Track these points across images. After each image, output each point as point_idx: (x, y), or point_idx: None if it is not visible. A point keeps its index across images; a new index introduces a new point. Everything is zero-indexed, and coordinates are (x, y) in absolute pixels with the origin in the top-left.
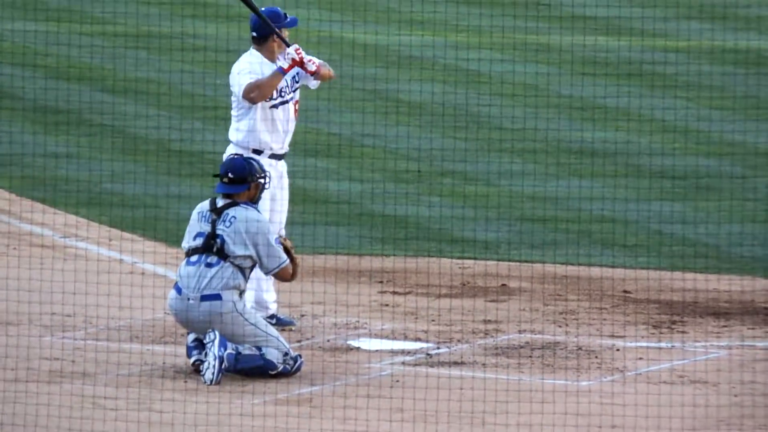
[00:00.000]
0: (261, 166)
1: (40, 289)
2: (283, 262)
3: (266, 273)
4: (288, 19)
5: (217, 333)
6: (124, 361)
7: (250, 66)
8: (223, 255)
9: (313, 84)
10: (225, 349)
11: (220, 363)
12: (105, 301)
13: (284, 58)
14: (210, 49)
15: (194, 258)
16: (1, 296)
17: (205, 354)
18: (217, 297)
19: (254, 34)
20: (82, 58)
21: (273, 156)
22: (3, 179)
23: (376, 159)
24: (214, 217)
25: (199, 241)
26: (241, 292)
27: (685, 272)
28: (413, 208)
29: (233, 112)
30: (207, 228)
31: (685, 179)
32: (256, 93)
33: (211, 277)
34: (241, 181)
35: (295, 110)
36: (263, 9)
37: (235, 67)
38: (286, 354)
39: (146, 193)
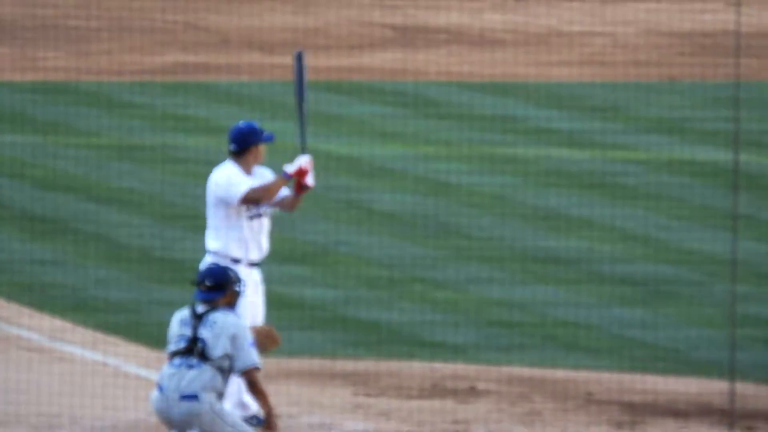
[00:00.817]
0: (237, 274)
1: (27, 390)
2: (254, 364)
3: (236, 371)
4: (265, 134)
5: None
6: None
7: (237, 174)
8: (204, 357)
9: (279, 209)
10: None
11: None
12: (90, 402)
13: (295, 163)
14: (191, 160)
15: (177, 360)
16: None
17: None
18: (195, 398)
19: (233, 146)
20: (68, 169)
21: (250, 264)
22: None
23: (350, 266)
24: (196, 322)
25: (182, 345)
26: (220, 394)
27: (646, 374)
28: (386, 313)
29: (210, 222)
30: (188, 332)
31: (646, 285)
32: (261, 195)
33: (191, 379)
34: (219, 288)
35: (269, 225)
36: (241, 123)
37: (221, 177)
38: None
39: (129, 299)
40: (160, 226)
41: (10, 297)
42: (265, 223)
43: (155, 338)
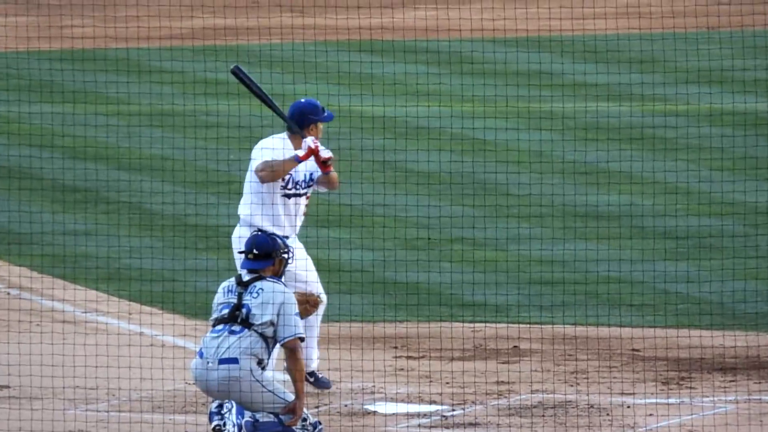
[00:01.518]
0: (284, 242)
1: (63, 363)
2: (297, 334)
3: (279, 341)
4: (326, 114)
5: (234, 403)
6: (147, 431)
7: (273, 146)
8: (247, 324)
9: (323, 188)
10: (242, 417)
11: (239, 430)
12: (127, 374)
13: (303, 144)
14: (222, 125)
15: (219, 327)
16: (25, 371)
17: (224, 423)
18: (235, 361)
19: (292, 121)
20: (98, 138)
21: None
22: (24, 257)
23: (387, 227)
24: (241, 290)
25: (225, 312)
26: (260, 361)
27: (692, 329)
28: (425, 275)
29: (246, 188)
30: (233, 299)
31: (689, 239)
32: (267, 172)
33: (231, 343)
34: (266, 256)
35: (306, 205)
36: (302, 100)
37: (260, 143)
38: (304, 420)
39: (164, 268)
40: (194, 193)
41: (43, 269)
42: (303, 203)
43: (191, 307)
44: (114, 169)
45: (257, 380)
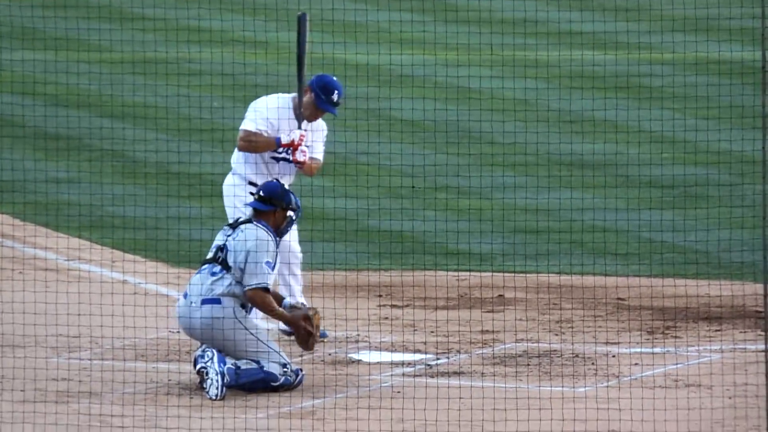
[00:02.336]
0: (296, 201)
1: (45, 311)
2: (261, 284)
3: (243, 288)
4: (331, 107)
5: (214, 350)
6: (130, 380)
7: (266, 110)
8: (226, 266)
9: (299, 170)
10: (224, 365)
11: (222, 377)
12: (110, 322)
13: (290, 133)
14: (206, 72)
15: (204, 267)
16: (7, 319)
17: (206, 371)
18: (217, 301)
19: (311, 84)
20: (81, 85)
21: None
22: (6, 205)
23: (371, 176)
24: (230, 231)
25: (211, 253)
26: (243, 305)
27: (677, 279)
28: (409, 223)
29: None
30: (222, 240)
31: (674, 188)
32: (245, 144)
33: (213, 283)
34: (269, 201)
35: (296, 173)
36: (334, 79)
37: (257, 101)
38: (285, 366)
39: (147, 215)
40: (177, 141)
41: (26, 217)
42: (293, 169)
43: (175, 255)
44: (97, 117)
45: (240, 321)
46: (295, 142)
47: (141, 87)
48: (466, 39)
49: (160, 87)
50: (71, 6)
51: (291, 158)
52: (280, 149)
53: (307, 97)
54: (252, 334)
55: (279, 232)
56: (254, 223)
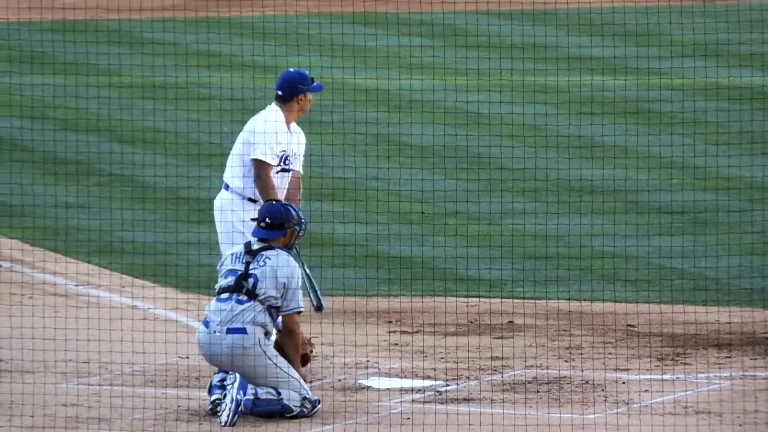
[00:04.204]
0: (299, 214)
1: (55, 336)
2: (298, 307)
3: (281, 312)
4: (315, 84)
5: (237, 376)
6: (140, 406)
7: (264, 131)
8: (252, 294)
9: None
10: (244, 394)
11: (237, 406)
12: (120, 347)
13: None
14: (215, 97)
15: (225, 295)
16: (17, 344)
17: (224, 395)
18: (243, 331)
19: (279, 92)
20: (91, 109)
21: None
22: (16, 230)
23: (381, 201)
24: (249, 258)
25: (231, 280)
26: (267, 332)
27: (687, 305)
28: (419, 249)
29: (236, 159)
30: (240, 268)
31: (685, 214)
32: (263, 185)
33: (240, 312)
34: (279, 227)
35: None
36: (291, 70)
37: (259, 124)
38: (304, 398)
39: (157, 241)
40: (187, 166)
41: (35, 242)
42: (288, 178)
43: (185, 280)
44: (107, 142)
45: (264, 351)
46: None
47: (151, 111)
48: (477, 64)
49: (171, 111)
50: (81, 30)
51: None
52: (286, 163)
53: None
54: (274, 363)
55: (289, 248)
56: (276, 249)
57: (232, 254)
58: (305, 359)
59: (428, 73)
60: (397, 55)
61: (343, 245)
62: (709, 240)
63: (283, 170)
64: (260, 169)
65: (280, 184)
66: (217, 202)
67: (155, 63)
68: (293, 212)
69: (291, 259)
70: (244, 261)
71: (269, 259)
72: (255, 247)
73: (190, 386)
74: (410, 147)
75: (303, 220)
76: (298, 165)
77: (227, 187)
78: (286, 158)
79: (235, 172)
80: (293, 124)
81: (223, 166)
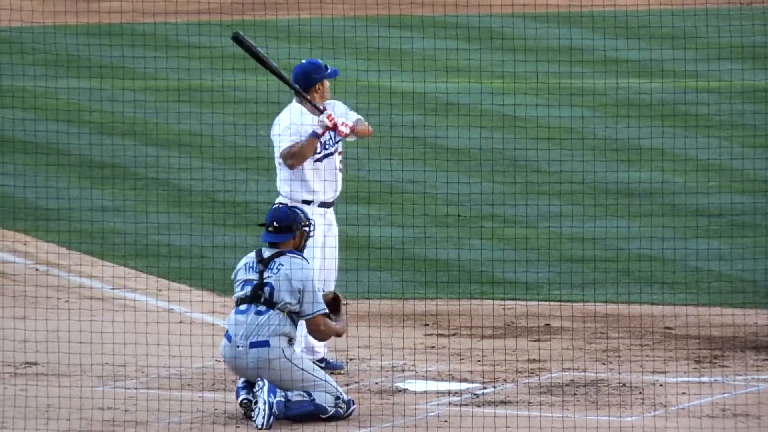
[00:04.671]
0: (305, 215)
1: (91, 340)
2: (320, 311)
3: (302, 317)
4: (329, 70)
5: (265, 381)
6: (176, 409)
7: (290, 122)
8: (270, 303)
9: (351, 138)
10: (274, 396)
11: (270, 408)
12: (156, 351)
13: (319, 123)
14: (251, 100)
15: (243, 307)
16: (53, 348)
17: (255, 401)
18: (266, 344)
19: (296, 85)
20: (126, 113)
21: (323, 204)
22: (52, 233)
23: (417, 204)
24: (261, 267)
25: (248, 290)
26: (290, 339)
27: (725, 308)
28: (455, 252)
29: (277, 167)
30: (254, 277)
31: (722, 216)
32: (293, 160)
33: (260, 325)
34: (287, 229)
35: (340, 160)
36: (304, 61)
37: (277, 123)
38: (338, 398)
39: (193, 244)
40: (223, 169)
41: (71, 245)
42: (336, 159)
43: (221, 283)
44: (142, 145)
45: (288, 359)
46: (331, 122)
47: (187, 115)
48: (513, 67)
49: (206, 115)
50: (117, 34)
51: (337, 139)
52: (319, 149)
53: (312, 93)
54: (300, 368)
55: (300, 250)
56: (287, 255)
57: (245, 264)
58: (337, 304)
59: (464, 76)
60: (433, 58)
61: (380, 248)
62: (746, 242)
63: (326, 155)
64: (284, 155)
65: (328, 175)
66: None
67: (191, 66)
68: (300, 213)
69: (304, 262)
70: (257, 270)
71: (282, 265)
72: (266, 254)
73: (226, 389)
74: (446, 150)
75: (311, 221)
76: (354, 119)
77: (281, 195)
78: (323, 145)
79: (281, 178)
80: (323, 104)
81: (258, 169)
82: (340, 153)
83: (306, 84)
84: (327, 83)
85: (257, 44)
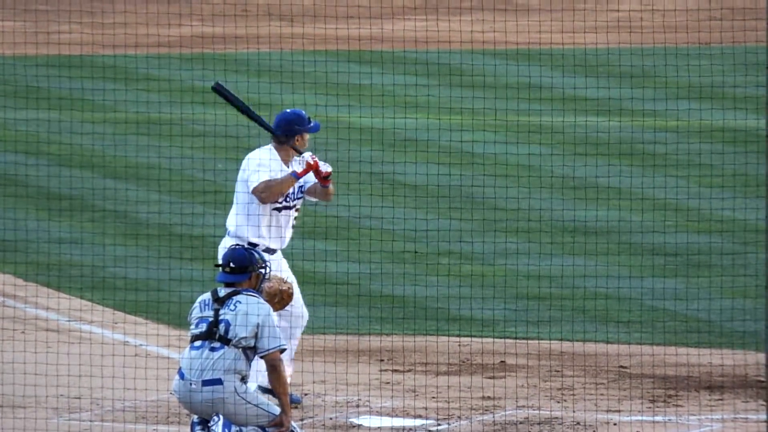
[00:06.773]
0: (261, 257)
1: (47, 372)
2: (279, 346)
3: (259, 353)
4: (312, 124)
5: (221, 416)
6: None
7: (260, 161)
8: (225, 340)
9: (315, 199)
10: (229, 430)
11: None
12: (111, 383)
13: (299, 163)
14: (210, 134)
15: (198, 343)
16: (8, 380)
17: None
18: (218, 382)
19: (278, 132)
20: (85, 145)
21: (267, 250)
22: (9, 265)
23: (374, 240)
24: (217, 306)
25: (203, 327)
26: (243, 377)
27: (679, 347)
28: (412, 288)
29: (237, 202)
30: (210, 314)
31: (678, 256)
32: (267, 194)
33: (214, 360)
34: (243, 270)
35: (295, 217)
36: (288, 111)
37: (251, 159)
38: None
39: (150, 277)
40: (180, 202)
41: (28, 277)
42: (292, 215)
43: (177, 316)
44: (100, 177)
45: (242, 397)
46: (311, 163)
47: (145, 147)
48: (471, 103)
49: (165, 148)
50: (76, 66)
51: (299, 195)
52: (281, 200)
53: (291, 142)
54: (254, 404)
55: (257, 291)
56: (243, 293)
57: (200, 302)
58: (286, 299)
59: (423, 112)
60: (392, 94)
61: (336, 284)
62: (702, 282)
63: (285, 207)
64: (258, 190)
65: (281, 223)
66: (220, 249)
67: (150, 99)
68: (257, 255)
69: (260, 299)
70: (213, 308)
71: (240, 303)
72: (222, 293)
73: (180, 423)
74: (404, 186)
75: (267, 263)
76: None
77: (229, 233)
78: (285, 196)
79: (235, 218)
80: (296, 160)
81: (216, 203)
82: (297, 210)
83: (287, 133)
84: (307, 136)
85: (215, 77)
